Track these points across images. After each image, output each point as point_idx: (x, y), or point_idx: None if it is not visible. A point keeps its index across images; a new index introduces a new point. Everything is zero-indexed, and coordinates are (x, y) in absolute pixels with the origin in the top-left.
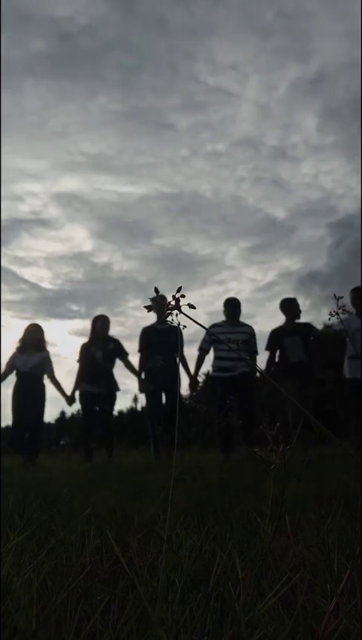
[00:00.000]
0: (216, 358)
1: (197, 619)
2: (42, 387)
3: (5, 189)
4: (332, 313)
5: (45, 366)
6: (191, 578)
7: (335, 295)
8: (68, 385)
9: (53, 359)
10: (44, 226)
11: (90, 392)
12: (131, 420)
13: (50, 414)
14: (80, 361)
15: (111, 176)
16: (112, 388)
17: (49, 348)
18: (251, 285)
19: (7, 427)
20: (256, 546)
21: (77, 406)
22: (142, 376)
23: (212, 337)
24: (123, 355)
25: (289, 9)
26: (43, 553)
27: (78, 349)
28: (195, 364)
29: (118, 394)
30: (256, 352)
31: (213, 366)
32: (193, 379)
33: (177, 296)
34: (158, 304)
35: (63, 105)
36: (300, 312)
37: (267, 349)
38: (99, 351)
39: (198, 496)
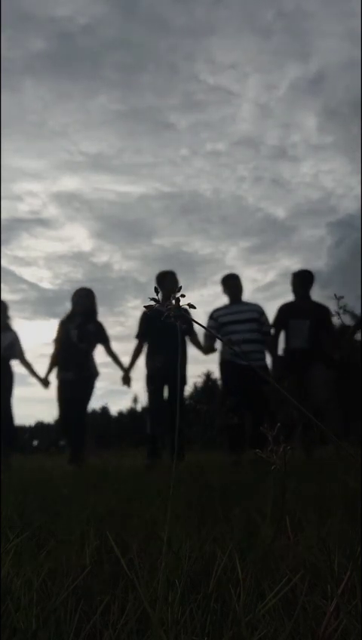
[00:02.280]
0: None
1: (197, 619)
2: (11, 373)
3: (5, 188)
4: (333, 313)
5: (15, 348)
6: (192, 579)
7: (335, 295)
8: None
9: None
10: (43, 226)
11: (63, 378)
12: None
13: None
14: (56, 340)
15: (111, 175)
16: (87, 374)
17: (50, 348)
18: (251, 285)
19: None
20: (257, 546)
21: None
22: (131, 367)
23: (217, 321)
24: (103, 341)
25: (289, 9)
26: (43, 554)
27: None
28: (204, 351)
29: (116, 393)
30: (269, 334)
31: (224, 351)
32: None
33: (177, 296)
34: (170, 281)
35: (63, 105)
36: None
37: (273, 325)
38: (75, 329)
39: (198, 497)
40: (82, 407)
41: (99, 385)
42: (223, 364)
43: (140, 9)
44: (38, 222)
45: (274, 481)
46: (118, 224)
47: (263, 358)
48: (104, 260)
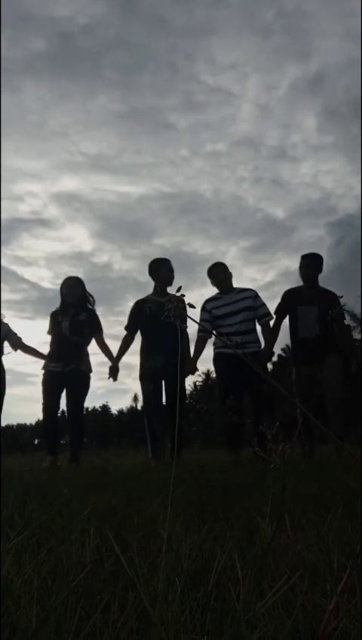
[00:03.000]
0: (221, 334)
1: (197, 618)
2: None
3: (5, 189)
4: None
5: (11, 338)
6: (191, 577)
7: (335, 294)
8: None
9: None
10: (44, 226)
11: (51, 371)
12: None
13: None
14: (49, 332)
15: (111, 176)
16: (82, 368)
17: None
18: (251, 285)
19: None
20: (256, 545)
21: None
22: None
23: (211, 313)
24: (96, 330)
25: (289, 9)
26: (43, 552)
27: None
28: (195, 348)
29: (116, 392)
30: (266, 316)
31: (217, 344)
32: (192, 363)
33: (178, 295)
34: (165, 270)
35: (63, 105)
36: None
37: (276, 312)
38: (67, 321)
39: (198, 496)
40: (78, 405)
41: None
42: (216, 358)
43: (140, 9)
44: (38, 222)
45: (274, 480)
46: (118, 224)
47: (258, 346)
48: (104, 260)
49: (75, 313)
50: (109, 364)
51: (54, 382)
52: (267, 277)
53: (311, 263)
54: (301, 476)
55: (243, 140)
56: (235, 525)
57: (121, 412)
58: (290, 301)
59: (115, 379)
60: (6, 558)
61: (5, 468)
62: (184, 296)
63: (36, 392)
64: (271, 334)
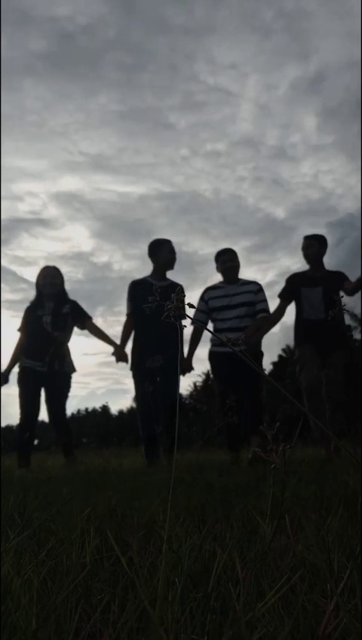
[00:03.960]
0: (215, 330)
1: (197, 618)
2: None
3: (5, 189)
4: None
5: None
6: (191, 578)
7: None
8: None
9: None
10: (44, 226)
11: (30, 369)
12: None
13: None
14: (21, 329)
15: (111, 176)
16: (65, 369)
17: None
18: None
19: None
20: (256, 545)
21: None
22: (120, 345)
23: (208, 304)
24: (84, 319)
25: (289, 9)
26: (43, 553)
27: (77, 349)
28: (190, 341)
29: (116, 392)
30: (262, 312)
31: (212, 339)
32: (187, 361)
33: (177, 297)
34: (167, 251)
35: (63, 105)
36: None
37: (279, 296)
38: (48, 315)
39: (198, 496)
40: (61, 407)
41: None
42: (211, 356)
43: (140, 9)
44: (38, 222)
45: (274, 480)
46: (118, 224)
47: (256, 343)
48: (104, 260)
49: (56, 306)
50: (110, 363)
51: (35, 382)
52: (267, 277)
53: (315, 243)
54: (301, 476)
55: (243, 139)
56: (235, 525)
57: (121, 412)
58: (294, 284)
59: (126, 361)
60: (6, 559)
61: (5, 468)
62: (184, 296)
63: None
64: (262, 324)
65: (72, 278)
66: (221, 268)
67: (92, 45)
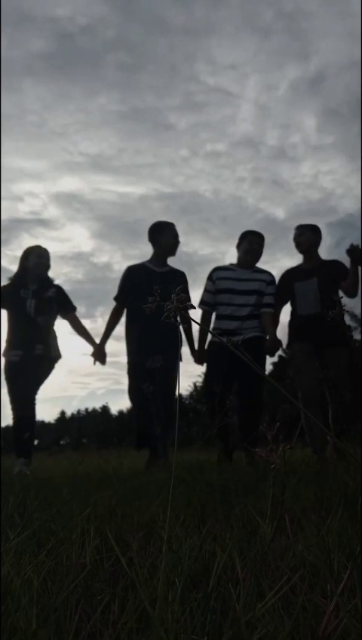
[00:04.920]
0: (218, 317)
1: (197, 619)
2: None
3: (5, 189)
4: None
5: None
6: (191, 578)
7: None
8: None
9: None
10: (44, 226)
11: (15, 361)
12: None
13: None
14: (5, 308)
15: (112, 176)
16: (50, 352)
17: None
18: None
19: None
20: (256, 545)
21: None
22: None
23: (215, 284)
24: (67, 308)
25: (289, 9)
26: (43, 553)
27: (77, 349)
28: (200, 328)
29: (116, 392)
30: (268, 307)
31: (215, 327)
32: (199, 349)
33: (176, 297)
34: (169, 235)
35: (63, 105)
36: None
37: (274, 299)
38: (32, 298)
39: (198, 496)
40: (33, 392)
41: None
42: (210, 345)
43: (140, 9)
44: (38, 222)
45: (274, 481)
46: (119, 224)
47: (258, 331)
48: (104, 260)
49: (40, 289)
50: (110, 364)
51: (23, 372)
52: None
53: (307, 231)
54: (301, 476)
55: (243, 139)
56: (235, 526)
57: (121, 412)
58: (287, 281)
59: (102, 363)
60: (6, 559)
61: (5, 469)
62: (184, 296)
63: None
64: (272, 324)
65: (72, 278)
66: (245, 247)
67: (92, 45)
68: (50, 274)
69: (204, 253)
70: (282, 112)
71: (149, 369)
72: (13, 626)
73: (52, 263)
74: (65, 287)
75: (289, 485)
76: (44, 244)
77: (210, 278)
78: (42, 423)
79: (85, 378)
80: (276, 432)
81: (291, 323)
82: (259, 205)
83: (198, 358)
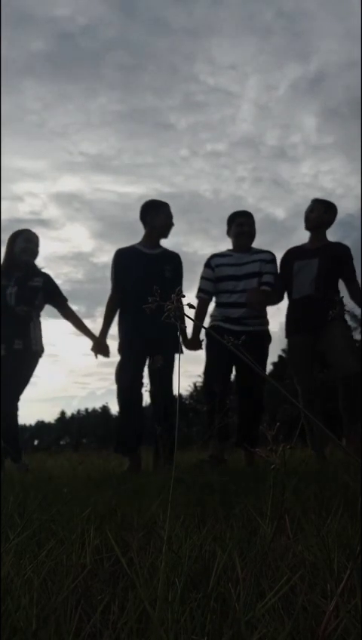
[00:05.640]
0: (218, 304)
1: (197, 619)
2: None
3: (5, 189)
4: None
5: None
6: (191, 578)
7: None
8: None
9: (52, 359)
10: (44, 226)
11: None
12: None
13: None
14: None
15: (112, 176)
16: (33, 347)
17: (50, 348)
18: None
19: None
20: (256, 545)
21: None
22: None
23: (214, 272)
24: (60, 298)
25: (289, 9)
26: (43, 553)
27: (77, 349)
28: (195, 315)
29: (114, 392)
30: (266, 285)
31: (213, 315)
32: (193, 338)
33: (177, 297)
34: (163, 214)
35: (63, 105)
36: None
37: (275, 280)
38: (14, 286)
39: (198, 496)
40: (17, 391)
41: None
42: (209, 333)
43: (140, 9)
44: (38, 222)
45: (274, 481)
46: (119, 224)
47: (263, 323)
48: (104, 260)
49: (24, 277)
50: (111, 364)
51: (4, 368)
52: None
53: (319, 206)
54: (301, 476)
55: (243, 140)
56: (235, 526)
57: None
58: (288, 259)
59: (105, 355)
60: (6, 559)
61: (5, 468)
62: (184, 296)
63: (36, 391)
64: (267, 302)
65: (72, 278)
66: (235, 231)
67: (92, 46)
68: (52, 276)
69: (204, 253)
70: (282, 112)
71: (150, 368)
72: (13, 626)
73: (52, 262)
74: (66, 287)
75: (289, 485)
76: (44, 244)
77: (208, 265)
78: (42, 423)
79: (85, 378)
80: (276, 432)
81: (287, 312)
82: (259, 205)
83: (192, 345)
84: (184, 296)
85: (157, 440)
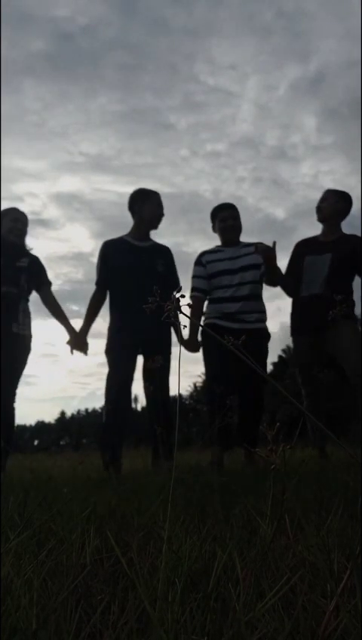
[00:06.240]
0: (212, 300)
1: (197, 619)
2: None
3: (5, 189)
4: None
5: None
6: (191, 578)
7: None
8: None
9: (52, 359)
10: (44, 226)
11: None
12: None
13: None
14: None
15: (112, 176)
16: (20, 331)
17: (50, 348)
18: None
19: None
20: (256, 545)
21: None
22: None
23: (206, 268)
24: (42, 280)
25: (289, 9)
26: (43, 553)
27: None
28: (191, 315)
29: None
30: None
31: (209, 312)
32: (191, 339)
33: (177, 296)
34: (153, 204)
35: (63, 105)
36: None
37: (286, 272)
38: None
39: (198, 497)
40: (13, 381)
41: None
42: (207, 332)
43: (140, 9)
44: (38, 222)
45: (274, 481)
46: (118, 224)
47: (262, 319)
48: None
49: (11, 257)
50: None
51: None
52: None
53: (331, 196)
54: (301, 476)
55: (243, 140)
56: (235, 526)
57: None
58: (299, 253)
59: (83, 352)
60: (6, 559)
61: (6, 468)
62: (184, 296)
63: (36, 391)
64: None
65: (72, 278)
66: (219, 226)
67: (92, 46)
68: (52, 276)
69: None
70: (282, 112)
71: (133, 348)
72: (13, 626)
73: (52, 262)
74: (66, 288)
75: (290, 485)
76: (44, 244)
77: (198, 263)
78: (42, 423)
79: (85, 378)
80: (276, 432)
81: (293, 310)
82: (259, 205)
83: (190, 346)
84: (184, 296)
85: (157, 440)
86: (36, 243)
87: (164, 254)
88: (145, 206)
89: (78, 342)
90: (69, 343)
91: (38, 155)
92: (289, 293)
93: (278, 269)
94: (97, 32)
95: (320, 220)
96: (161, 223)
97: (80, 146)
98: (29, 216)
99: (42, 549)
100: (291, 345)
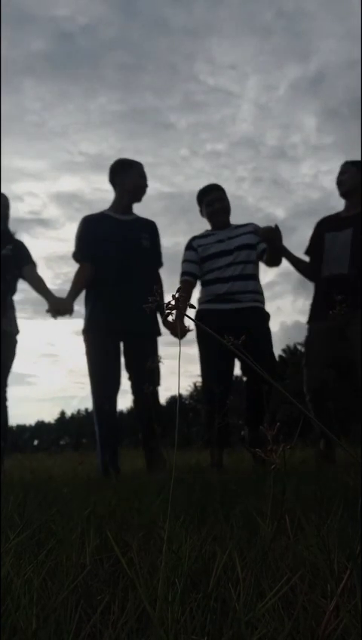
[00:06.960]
0: (205, 283)
1: (197, 619)
2: None
3: (5, 189)
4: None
5: None
6: (192, 578)
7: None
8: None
9: (52, 359)
10: (44, 226)
11: None
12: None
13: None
14: None
15: None
16: (3, 327)
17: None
18: None
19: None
20: (256, 545)
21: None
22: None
23: (198, 252)
24: (27, 263)
25: (289, 9)
26: (43, 553)
27: (77, 349)
28: (180, 299)
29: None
30: (265, 252)
31: (202, 296)
32: (177, 321)
33: (177, 296)
34: (136, 174)
35: (63, 105)
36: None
37: (306, 252)
38: None
39: (198, 497)
40: (1, 378)
41: None
42: (200, 317)
43: (140, 9)
44: (38, 222)
45: (274, 481)
46: None
47: (259, 300)
48: None
49: None
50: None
51: None
52: (267, 277)
53: (352, 168)
54: (301, 477)
55: (243, 139)
56: (235, 526)
57: (120, 413)
58: (319, 231)
59: (68, 312)
60: (6, 559)
61: (5, 468)
62: (184, 296)
63: (36, 391)
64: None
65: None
66: (208, 211)
67: (92, 45)
68: (52, 276)
69: None
70: (282, 112)
71: (115, 330)
72: (13, 626)
73: (52, 262)
74: (65, 288)
75: (290, 485)
76: (44, 243)
77: (189, 247)
78: (42, 423)
79: (85, 378)
80: (276, 432)
81: (315, 294)
82: (259, 205)
83: (172, 326)
84: (184, 296)
85: (145, 445)
86: (36, 243)
87: (150, 228)
88: (128, 177)
89: (63, 303)
90: (52, 307)
91: (38, 154)
92: (308, 275)
93: (284, 249)
94: (97, 32)
95: (342, 194)
96: (144, 196)
97: (80, 145)
98: (29, 216)
99: (42, 548)
100: (291, 345)
